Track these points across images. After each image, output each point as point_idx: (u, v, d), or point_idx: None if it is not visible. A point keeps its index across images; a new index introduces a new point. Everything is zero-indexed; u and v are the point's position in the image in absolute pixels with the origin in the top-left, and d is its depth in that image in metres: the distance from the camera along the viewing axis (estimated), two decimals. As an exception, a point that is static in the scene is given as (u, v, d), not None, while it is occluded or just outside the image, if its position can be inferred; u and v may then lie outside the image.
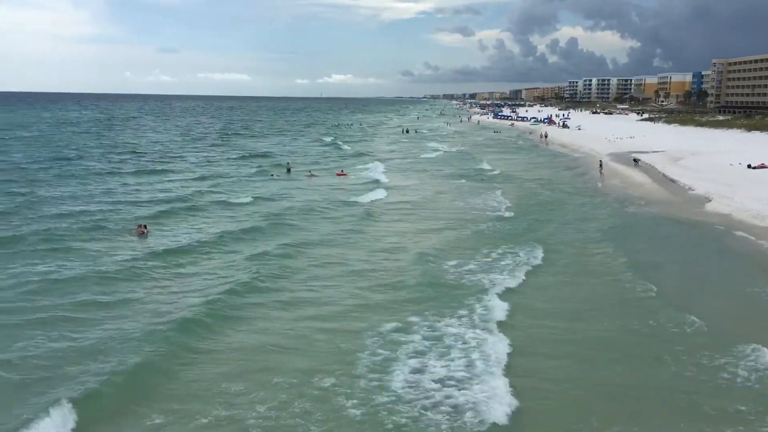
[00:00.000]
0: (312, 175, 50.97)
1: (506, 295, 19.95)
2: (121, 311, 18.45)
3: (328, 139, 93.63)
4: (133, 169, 52.22)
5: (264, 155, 66.78)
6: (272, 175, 51.56)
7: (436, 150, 76.44)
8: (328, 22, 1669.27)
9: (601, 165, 51.62)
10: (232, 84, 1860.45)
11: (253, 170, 53.56)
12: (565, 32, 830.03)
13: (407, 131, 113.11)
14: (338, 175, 52.03)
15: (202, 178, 47.99)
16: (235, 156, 66.09)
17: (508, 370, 14.69)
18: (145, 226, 29.03)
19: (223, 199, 38.36)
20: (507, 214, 33.75)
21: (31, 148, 69.49)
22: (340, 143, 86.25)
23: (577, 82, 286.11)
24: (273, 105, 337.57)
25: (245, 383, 14.16)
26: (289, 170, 53.69)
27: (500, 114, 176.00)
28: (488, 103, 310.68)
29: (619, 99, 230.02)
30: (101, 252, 24.98)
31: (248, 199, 38.39)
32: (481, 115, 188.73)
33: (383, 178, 48.88)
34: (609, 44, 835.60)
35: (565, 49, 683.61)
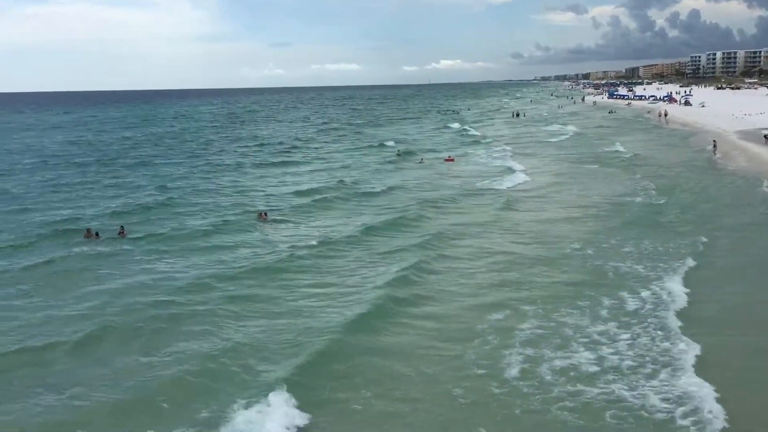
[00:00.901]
0: (423, 162, 51.47)
1: (680, 290, 18.75)
2: (302, 300, 19.17)
3: (456, 126, 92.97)
4: (267, 161, 54.31)
5: (385, 144, 67.26)
6: (398, 154, 53.81)
7: (558, 133, 74.28)
8: (435, 7, 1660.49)
9: (714, 145, 48.88)
10: (342, 74, 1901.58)
11: (381, 159, 54.13)
12: (685, 4, 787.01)
13: (518, 114, 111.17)
14: (446, 161, 51.78)
15: (334, 169, 49.10)
16: (363, 145, 67.11)
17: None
18: (266, 213, 31.05)
19: (357, 189, 38.95)
20: (656, 200, 32.16)
21: (163, 143, 74.08)
22: (468, 128, 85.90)
23: (699, 57, 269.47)
24: (383, 93, 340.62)
25: (433, 367, 14.55)
26: (399, 154, 55.04)
27: (615, 93, 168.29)
28: (602, 82, 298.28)
29: (747, 73, 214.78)
30: (254, 243, 26.23)
31: (382, 188, 38.86)
32: (595, 95, 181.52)
33: (514, 164, 48.03)
34: (735, 14, 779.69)
35: (687, 22, 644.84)
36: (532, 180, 40.50)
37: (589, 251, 23.10)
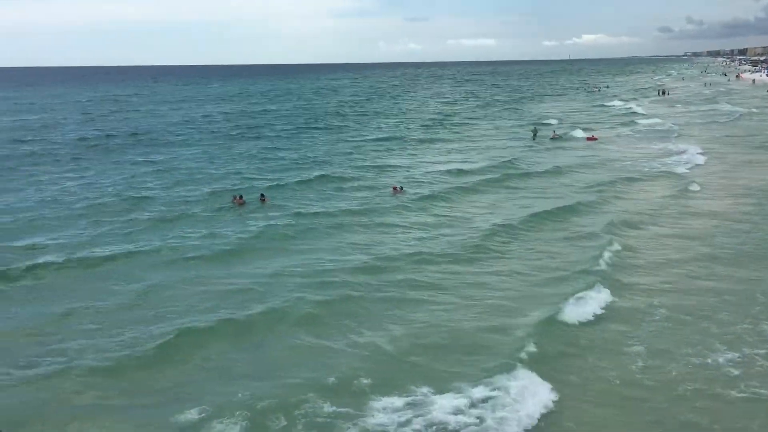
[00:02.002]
0: (556, 137, 50.58)
1: None
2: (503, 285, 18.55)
3: (604, 103, 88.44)
4: (413, 138, 53.84)
5: (538, 122, 64.02)
6: (533, 132, 52.16)
7: (718, 113, 68.54)
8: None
9: None
10: (479, 49, 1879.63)
11: (529, 137, 52.01)
12: None
13: (664, 92, 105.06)
14: (588, 139, 49.63)
15: (484, 148, 47.60)
16: (510, 124, 64.83)
17: None
18: (401, 188, 31.39)
19: (513, 170, 37.41)
20: None
21: (306, 115, 75.79)
22: (617, 105, 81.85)
23: None
24: (523, 69, 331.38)
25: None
26: (535, 135, 52.14)
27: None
28: (761, 59, 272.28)
29: None
30: (410, 225, 25.69)
31: (538, 169, 37.26)
32: (753, 72, 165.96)
33: (684, 146, 44.61)
34: None
35: None
36: (709, 164, 37.36)
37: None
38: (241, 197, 29.58)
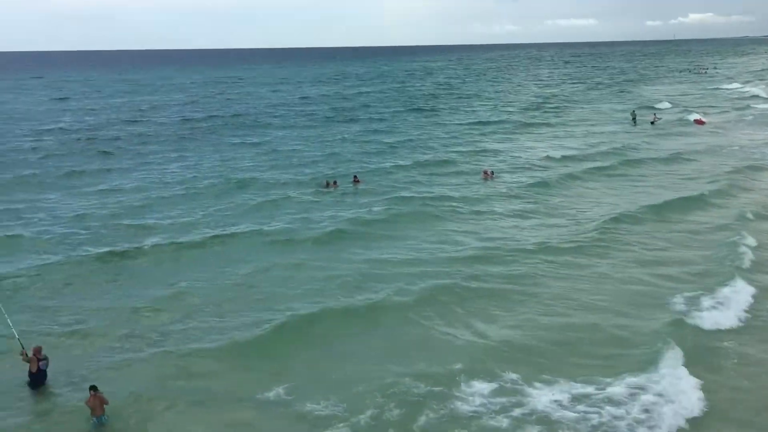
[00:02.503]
0: (656, 120, 49.17)
1: None
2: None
3: (728, 86, 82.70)
4: (516, 121, 52.56)
5: (650, 106, 60.64)
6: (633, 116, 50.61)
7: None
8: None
9: None
10: (578, 30, 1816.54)
11: (642, 123, 49.46)
12: None
13: None
14: (696, 122, 47.90)
15: (594, 133, 45.62)
16: (627, 106, 60.95)
17: None
18: (492, 172, 31.00)
19: (625, 156, 35.63)
20: None
21: (399, 98, 75.34)
22: (751, 89, 76.55)
23: None
24: (626, 50, 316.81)
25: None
26: (635, 119, 50.24)
27: None
28: None
29: None
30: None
31: (654, 155, 35.51)
32: None
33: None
34: None
35: None
36: None
37: None
38: (335, 182, 29.82)
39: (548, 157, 35.37)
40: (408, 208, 25.36)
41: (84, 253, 20.35)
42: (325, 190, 29.02)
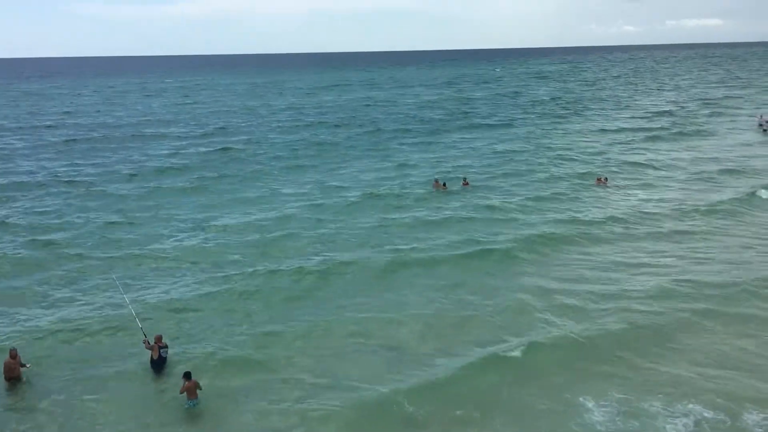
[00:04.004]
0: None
1: None
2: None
3: None
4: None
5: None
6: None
7: None
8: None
9: None
10: (703, 30, 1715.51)
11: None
12: None
13: None
14: None
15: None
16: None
17: None
18: (606, 179, 30.88)
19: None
20: None
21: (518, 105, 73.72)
22: None
23: None
24: (756, 52, 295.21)
25: None
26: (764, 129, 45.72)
27: None
28: None
29: None
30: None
31: None
32: None
33: None
34: None
35: None
36: None
37: None
38: (444, 184, 30.32)
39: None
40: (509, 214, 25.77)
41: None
42: (435, 191, 29.83)
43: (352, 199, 28.46)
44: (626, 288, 17.66)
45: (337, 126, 54.89)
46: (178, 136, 50.12)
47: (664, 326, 15.40)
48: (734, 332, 15.04)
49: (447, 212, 26.14)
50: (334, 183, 32.49)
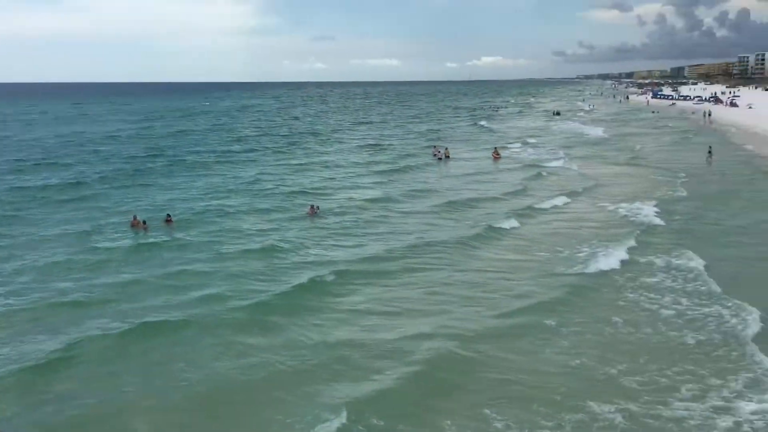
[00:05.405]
0: (447, 156, 53.71)
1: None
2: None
3: (489, 124, 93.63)
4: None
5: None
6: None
7: (595, 133, 74.97)
8: (479, 3, 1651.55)
9: (710, 151, 49.27)
10: (383, 69, 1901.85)
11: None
12: (735, 3, 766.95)
13: (558, 113, 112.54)
14: (494, 156, 53.73)
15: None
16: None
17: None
18: (317, 207, 32.12)
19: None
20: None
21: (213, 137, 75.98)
22: (491, 124, 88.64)
23: (748, 57, 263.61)
24: (424, 89, 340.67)
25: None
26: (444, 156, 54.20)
27: (660, 93, 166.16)
28: (647, 82, 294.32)
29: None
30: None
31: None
32: (639, 95, 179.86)
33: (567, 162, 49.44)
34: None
35: (735, 22, 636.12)
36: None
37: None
38: (144, 222, 28.98)
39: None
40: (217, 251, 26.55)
41: None
42: (132, 230, 28.51)
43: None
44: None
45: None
46: None
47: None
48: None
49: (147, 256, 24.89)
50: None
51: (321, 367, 15.27)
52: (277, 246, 25.62)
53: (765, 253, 23.57)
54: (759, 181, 38.98)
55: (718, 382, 14.12)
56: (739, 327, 16.87)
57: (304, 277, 21.61)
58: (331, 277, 21.53)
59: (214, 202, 35.51)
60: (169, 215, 30.50)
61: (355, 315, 18.65)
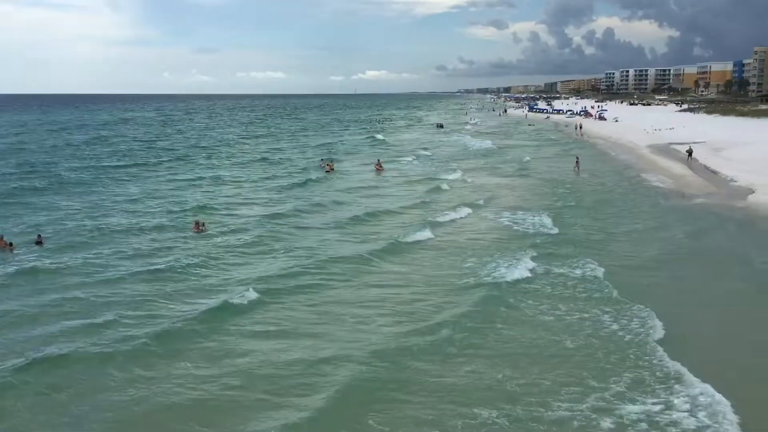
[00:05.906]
0: (332, 169, 53.69)
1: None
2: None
3: (379, 136, 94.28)
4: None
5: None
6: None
7: (475, 145, 77.53)
8: (362, 18, 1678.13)
9: (577, 161, 51.83)
10: (269, 82, 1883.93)
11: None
12: (601, 23, 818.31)
13: (441, 126, 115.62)
14: (377, 168, 53.95)
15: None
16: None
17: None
18: (203, 224, 30.70)
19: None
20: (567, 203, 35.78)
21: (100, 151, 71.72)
22: (381, 137, 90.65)
23: (613, 74, 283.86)
24: (310, 102, 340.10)
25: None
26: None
27: (535, 107, 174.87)
28: (523, 96, 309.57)
29: (658, 90, 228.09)
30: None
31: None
32: (516, 108, 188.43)
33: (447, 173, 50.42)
34: (647, 34, 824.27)
35: (602, 40, 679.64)
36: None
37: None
38: (10, 244, 26.39)
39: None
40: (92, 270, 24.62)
41: None
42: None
43: None
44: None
45: None
46: None
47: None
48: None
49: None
50: None
51: (241, 395, 14.31)
52: (161, 269, 23.71)
53: (650, 258, 24.83)
54: (627, 190, 41.55)
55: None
56: (641, 331, 17.44)
57: (198, 301, 20.29)
58: (235, 299, 20.11)
59: (91, 222, 32.67)
60: (39, 236, 27.94)
61: (266, 337, 17.62)
